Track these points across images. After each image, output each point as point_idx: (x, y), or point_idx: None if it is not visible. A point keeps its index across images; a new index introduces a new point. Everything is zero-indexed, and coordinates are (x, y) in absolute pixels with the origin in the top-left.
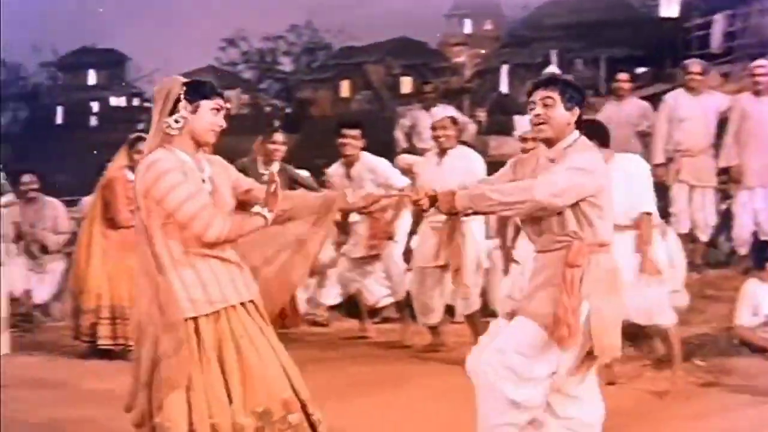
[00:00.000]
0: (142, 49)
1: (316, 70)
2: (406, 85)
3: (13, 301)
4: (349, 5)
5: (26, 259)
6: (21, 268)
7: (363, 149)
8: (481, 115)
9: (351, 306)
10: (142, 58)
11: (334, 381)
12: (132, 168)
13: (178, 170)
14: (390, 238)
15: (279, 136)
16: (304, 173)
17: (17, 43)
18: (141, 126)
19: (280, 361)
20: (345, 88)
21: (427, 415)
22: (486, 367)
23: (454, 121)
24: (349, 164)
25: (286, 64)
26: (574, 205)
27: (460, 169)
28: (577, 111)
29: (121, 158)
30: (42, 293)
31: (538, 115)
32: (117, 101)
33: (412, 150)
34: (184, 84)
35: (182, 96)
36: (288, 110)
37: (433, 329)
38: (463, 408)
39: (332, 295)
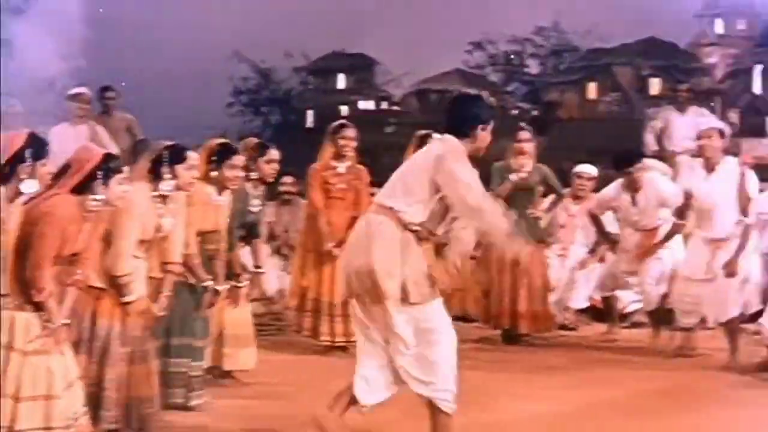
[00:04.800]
0: (390, 53)
1: (563, 72)
2: (655, 86)
3: (266, 300)
4: (596, 6)
5: (278, 259)
6: (274, 268)
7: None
8: (734, 116)
9: (597, 311)
10: (390, 62)
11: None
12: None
13: None
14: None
15: (525, 134)
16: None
17: (270, 49)
18: (389, 130)
19: None
20: (592, 90)
21: None
22: None
23: (721, 133)
24: (635, 189)
25: (533, 67)
26: None
27: (730, 184)
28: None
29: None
30: None
31: None
32: (365, 105)
33: (662, 152)
34: None
35: None
36: (535, 113)
37: (686, 333)
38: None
39: (581, 299)
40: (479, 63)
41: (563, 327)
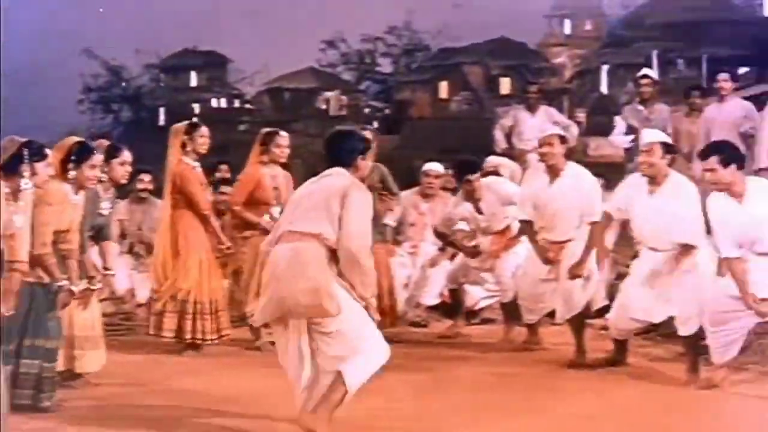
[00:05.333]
0: (242, 52)
1: (415, 71)
2: (506, 85)
3: (117, 300)
4: (447, 6)
5: (130, 258)
6: (124, 267)
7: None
8: (581, 116)
9: (449, 307)
10: (243, 60)
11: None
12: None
13: None
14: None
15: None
16: None
17: (120, 46)
18: (242, 127)
19: None
20: (444, 89)
21: None
22: None
23: (562, 139)
24: (476, 199)
25: (385, 66)
26: None
27: (573, 190)
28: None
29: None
30: (145, 293)
31: None
32: (218, 103)
33: (512, 150)
34: None
35: None
36: (387, 111)
37: (531, 328)
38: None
39: (432, 296)
40: (332, 61)
41: (414, 324)
